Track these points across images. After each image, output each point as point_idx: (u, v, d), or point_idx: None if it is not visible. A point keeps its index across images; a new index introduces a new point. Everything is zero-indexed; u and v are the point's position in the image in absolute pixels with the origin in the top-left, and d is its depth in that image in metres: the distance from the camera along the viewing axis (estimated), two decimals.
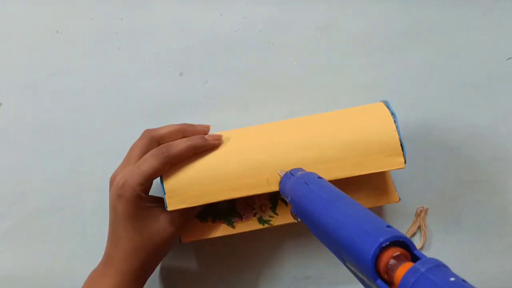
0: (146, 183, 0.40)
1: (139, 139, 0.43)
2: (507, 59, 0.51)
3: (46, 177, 0.50)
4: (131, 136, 0.50)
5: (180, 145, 0.41)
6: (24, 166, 0.50)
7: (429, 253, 0.50)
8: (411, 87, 0.51)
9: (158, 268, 0.50)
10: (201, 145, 0.41)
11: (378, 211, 0.50)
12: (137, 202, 0.40)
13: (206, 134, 0.44)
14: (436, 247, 0.50)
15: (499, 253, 0.50)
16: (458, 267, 0.50)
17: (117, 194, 0.40)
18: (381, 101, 0.44)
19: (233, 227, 0.45)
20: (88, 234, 0.50)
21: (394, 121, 0.41)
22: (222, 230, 0.45)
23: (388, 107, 0.43)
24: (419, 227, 0.50)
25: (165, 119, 0.50)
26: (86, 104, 0.50)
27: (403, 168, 0.41)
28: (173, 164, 0.41)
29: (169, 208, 0.41)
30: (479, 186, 0.51)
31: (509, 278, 0.50)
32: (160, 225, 0.41)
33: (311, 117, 0.44)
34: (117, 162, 0.50)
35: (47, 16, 0.51)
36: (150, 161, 0.40)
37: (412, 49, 0.51)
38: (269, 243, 0.50)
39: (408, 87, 0.51)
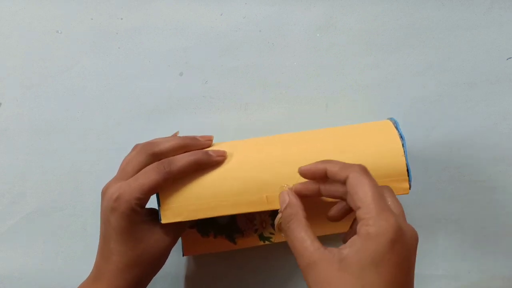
0: (144, 198, 0.38)
1: (137, 153, 0.40)
2: (507, 59, 0.51)
3: (46, 177, 0.50)
4: (131, 135, 0.50)
5: (182, 160, 0.39)
6: (24, 166, 0.50)
7: (428, 253, 0.50)
8: (411, 86, 0.51)
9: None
10: (204, 161, 0.39)
11: None
12: (132, 216, 0.38)
13: (209, 146, 0.42)
14: (435, 247, 0.50)
15: (499, 253, 0.50)
16: (458, 268, 0.50)
17: (111, 207, 0.38)
18: (390, 119, 0.43)
19: (235, 243, 0.45)
20: (88, 234, 0.50)
21: (402, 145, 0.40)
22: (224, 246, 0.45)
23: (397, 128, 0.41)
24: None
25: (165, 119, 0.50)
26: (86, 104, 0.50)
27: (407, 194, 0.39)
28: (174, 179, 0.39)
29: (163, 221, 0.39)
30: (478, 186, 0.51)
31: (509, 278, 0.50)
32: (154, 240, 0.39)
33: (316, 133, 0.43)
34: (117, 161, 0.50)
35: (47, 16, 0.51)
36: (149, 175, 0.38)
37: (412, 48, 0.51)
38: (273, 249, 0.50)
39: (407, 87, 0.51)
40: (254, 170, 0.40)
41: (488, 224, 0.51)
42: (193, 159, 0.39)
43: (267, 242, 0.45)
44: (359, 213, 0.32)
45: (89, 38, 0.51)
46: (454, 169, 0.51)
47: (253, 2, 0.51)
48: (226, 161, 0.40)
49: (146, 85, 0.51)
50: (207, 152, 0.40)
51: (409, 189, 0.39)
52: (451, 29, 0.51)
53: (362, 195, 0.32)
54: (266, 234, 0.45)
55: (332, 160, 0.36)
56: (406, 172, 0.39)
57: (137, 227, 0.39)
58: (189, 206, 0.39)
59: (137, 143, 0.50)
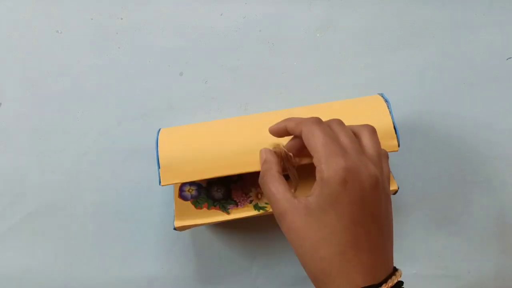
0: None
1: None
2: (507, 59, 0.51)
3: (46, 177, 0.50)
4: (131, 135, 0.50)
5: None
6: (24, 166, 0.50)
7: (429, 253, 0.50)
8: (410, 86, 0.51)
9: (158, 267, 0.50)
10: None
11: None
12: None
13: None
14: (435, 246, 0.50)
15: (499, 252, 0.50)
16: (458, 267, 0.50)
17: None
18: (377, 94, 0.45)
19: (228, 213, 0.45)
20: (88, 233, 0.50)
21: (388, 107, 0.42)
22: (217, 216, 0.45)
23: (382, 96, 0.44)
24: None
25: (164, 119, 0.50)
26: (86, 104, 0.50)
27: (397, 151, 0.41)
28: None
29: (162, 183, 0.41)
30: (478, 185, 0.51)
31: (508, 278, 0.50)
32: None
33: (308, 107, 0.45)
34: (117, 162, 0.50)
35: (47, 16, 0.51)
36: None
37: (412, 48, 0.51)
38: (270, 242, 0.50)
39: (407, 86, 0.51)
40: (249, 132, 0.42)
41: (488, 224, 0.51)
42: None
43: (261, 212, 0.45)
44: (314, 162, 0.34)
45: (89, 38, 0.51)
46: (454, 168, 0.51)
47: (253, 2, 0.51)
48: (223, 125, 0.43)
49: (146, 85, 0.51)
50: None
51: (398, 146, 0.42)
52: (451, 29, 0.51)
53: (313, 145, 0.34)
54: (261, 204, 0.45)
55: (291, 118, 0.38)
56: (394, 130, 0.42)
57: None
58: (187, 167, 0.41)
59: (137, 143, 0.50)
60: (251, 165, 0.41)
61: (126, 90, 0.51)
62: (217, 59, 0.51)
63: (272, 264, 0.50)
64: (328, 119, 0.39)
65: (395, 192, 0.45)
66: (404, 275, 0.49)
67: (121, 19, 0.51)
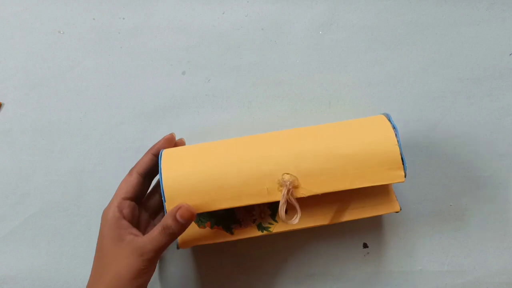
0: (120, 202, 0.42)
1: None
2: (510, 54, 0.51)
3: (50, 177, 0.50)
4: (134, 135, 0.50)
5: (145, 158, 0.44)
6: (27, 167, 0.50)
7: (433, 249, 0.50)
8: (414, 83, 0.51)
9: (158, 267, 0.50)
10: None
11: None
12: (115, 223, 0.41)
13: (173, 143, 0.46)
14: (440, 242, 0.50)
15: (504, 248, 0.50)
16: (464, 263, 0.50)
17: (101, 224, 0.42)
18: (383, 114, 0.44)
19: (232, 233, 0.45)
20: (92, 234, 0.50)
21: (395, 135, 0.41)
22: (220, 236, 0.45)
23: (389, 120, 0.42)
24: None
25: (167, 118, 0.50)
26: (89, 104, 0.50)
27: (403, 182, 0.41)
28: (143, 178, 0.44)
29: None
30: (483, 182, 0.51)
31: None
32: (127, 256, 0.40)
33: (313, 128, 0.44)
34: (120, 161, 0.50)
35: (49, 17, 0.51)
36: (121, 185, 0.43)
37: (415, 44, 0.51)
38: (273, 241, 0.50)
39: (410, 83, 0.51)
40: (254, 162, 0.41)
41: (493, 220, 0.50)
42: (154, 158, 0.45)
43: (265, 232, 0.45)
44: None
45: (92, 38, 0.51)
46: (459, 164, 0.51)
47: (255, 0, 0.51)
48: (227, 155, 0.42)
49: (148, 84, 0.51)
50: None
51: (405, 176, 0.41)
52: (454, 25, 0.51)
53: None
54: (265, 224, 0.45)
55: None
56: (401, 161, 0.40)
57: (113, 241, 0.41)
58: (193, 201, 0.40)
59: (140, 142, 0.50)
60: (259, 196, 0.40)
61: (129, 89, 0.51)
62: (219, 58, 0.51)
63: (273, 262, 0.50)
64: (332, 142, 0.41)
65: (397, 212, 0.45)
66: (410, 271, 0.50)
67: (123, 19, 0.51)
